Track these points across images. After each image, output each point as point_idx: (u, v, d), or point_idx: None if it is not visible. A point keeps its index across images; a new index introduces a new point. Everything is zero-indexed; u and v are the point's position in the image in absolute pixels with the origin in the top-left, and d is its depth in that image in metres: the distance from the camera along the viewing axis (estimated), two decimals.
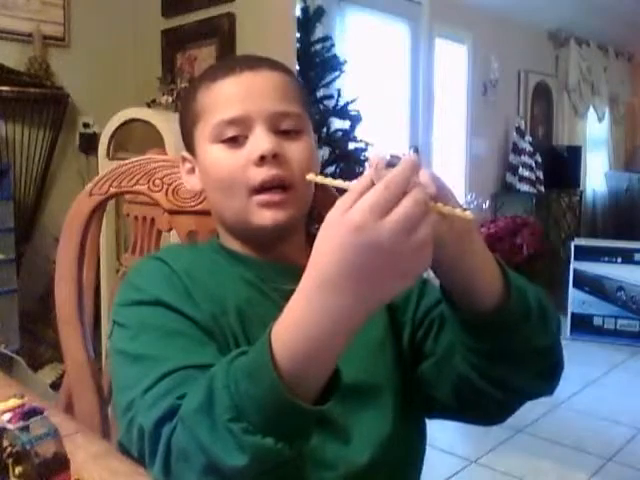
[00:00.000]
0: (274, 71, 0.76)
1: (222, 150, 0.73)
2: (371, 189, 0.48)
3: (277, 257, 0.77)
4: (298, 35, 3.02)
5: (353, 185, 0.51)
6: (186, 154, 0.81)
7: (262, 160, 0.71)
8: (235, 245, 0.78)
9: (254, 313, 0.71)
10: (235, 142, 0.73)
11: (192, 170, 0.81)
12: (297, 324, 0.52)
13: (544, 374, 0.69)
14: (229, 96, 0.74)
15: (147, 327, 0.68)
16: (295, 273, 0.74)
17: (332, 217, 0.50)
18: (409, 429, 0.76)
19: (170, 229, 1.02)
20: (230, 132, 0.73)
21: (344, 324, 0.51)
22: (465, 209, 0.52)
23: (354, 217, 0.48)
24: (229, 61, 0.82)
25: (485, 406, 0.71)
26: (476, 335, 0.64)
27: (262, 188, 0.72)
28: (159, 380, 0.61)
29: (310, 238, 0.82)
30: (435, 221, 0.50)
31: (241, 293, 0.73)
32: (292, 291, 0.73)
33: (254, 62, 0.76)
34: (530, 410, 0.66)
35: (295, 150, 0.73)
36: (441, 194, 0.53)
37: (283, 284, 0.73)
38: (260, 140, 0.71)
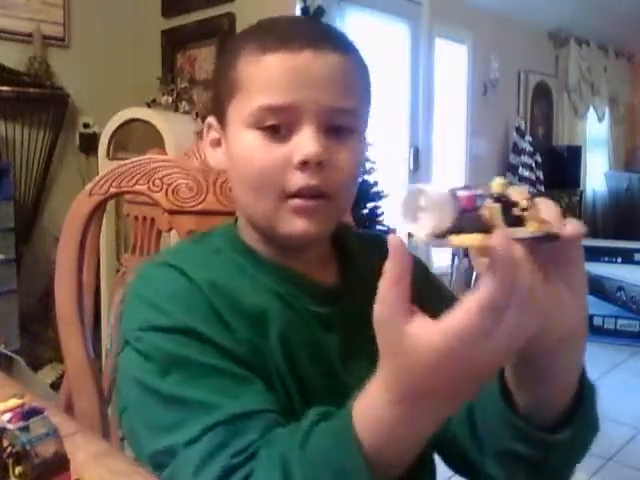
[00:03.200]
0: (338, 53, 0.63)
1: (259, 140, 0.62)
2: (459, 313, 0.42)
3: (301, 264, 0.68)
4: None
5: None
6: (213, 121, 0.69)
7: (304, 165, 0.61)
8: (258, 244, 0.69)
9: (297, 338, 0.64)
10: (276, 133, 0.62)
11: (218, 142, 0.69)
12: (378, 423, 0.48)
13: None
14: (279, 77, 0.61)
15: (177, 362, 0.59)
16: (317, 294, 0.67)
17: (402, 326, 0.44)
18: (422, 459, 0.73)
19: (170, 229, 1.02)
20: (272, 120, 0.62)
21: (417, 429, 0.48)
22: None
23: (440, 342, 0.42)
24: (287, 25, 0.67)
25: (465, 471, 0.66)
26: (510, 438, 0.56)
27: (297, 195, 0.62)
28: (204, 433, 0.55)
29: (334, 250, 0.74)
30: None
31: (279, 312, 0.64)
32: (317, 313, 0.66)
33: (317, 38, 0.63)
34: None
35: (343, 158, 0.63)
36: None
37: (309, 304, 0.66)
38: (306, 141, 0.61)
